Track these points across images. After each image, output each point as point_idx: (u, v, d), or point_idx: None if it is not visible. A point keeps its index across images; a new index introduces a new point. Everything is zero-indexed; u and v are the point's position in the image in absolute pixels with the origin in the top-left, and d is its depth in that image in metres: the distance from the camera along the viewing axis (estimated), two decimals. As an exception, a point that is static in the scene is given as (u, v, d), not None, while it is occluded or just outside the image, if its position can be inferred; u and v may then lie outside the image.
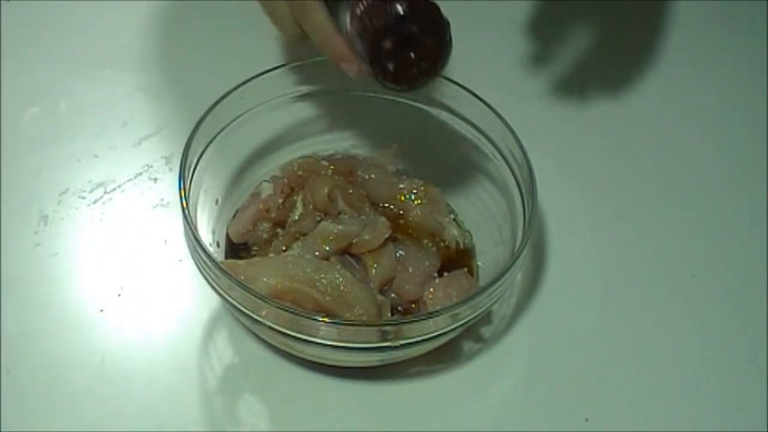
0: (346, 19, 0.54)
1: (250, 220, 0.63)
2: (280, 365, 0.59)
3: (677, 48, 0.81)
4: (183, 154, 0.58)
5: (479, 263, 0.64)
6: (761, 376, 0.61)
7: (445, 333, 0.54)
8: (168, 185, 0.68)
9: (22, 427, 0.56)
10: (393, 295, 0.60)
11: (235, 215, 0.64)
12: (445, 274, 0.60)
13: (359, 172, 0.65)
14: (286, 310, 0.52)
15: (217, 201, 0.63)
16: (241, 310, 0.54)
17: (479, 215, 0.65)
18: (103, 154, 0.70)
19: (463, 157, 0.65)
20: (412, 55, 0.53)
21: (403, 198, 0.64)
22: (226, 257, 0.62)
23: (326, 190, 0.62)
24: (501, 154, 0.62)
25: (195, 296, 0.61)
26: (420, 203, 0.64)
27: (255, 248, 0.62)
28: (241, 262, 0.59)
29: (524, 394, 0.60)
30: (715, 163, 0.74)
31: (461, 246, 0.63)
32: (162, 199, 0.67)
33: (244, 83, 0.62)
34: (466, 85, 0.63)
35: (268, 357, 0.59)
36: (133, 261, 0.64)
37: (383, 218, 0.61)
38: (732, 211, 0.71)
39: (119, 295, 0.62)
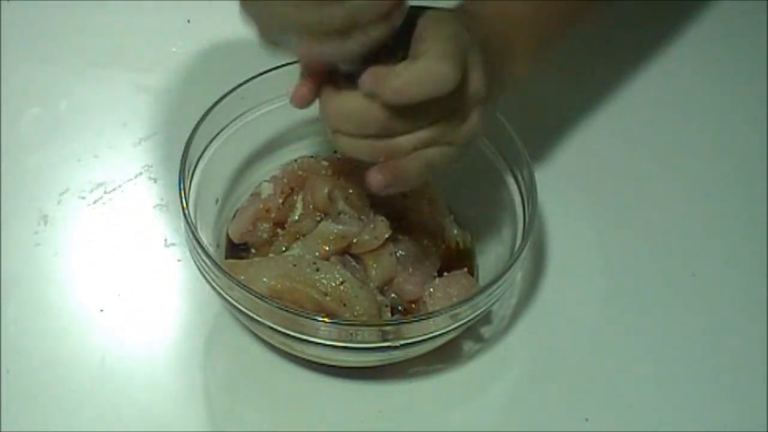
0: None
1: (250, 220, 0.62)
2: (280, 365, 0.59)
3: (677, 48, 0.81)
4: (183, 154, 0.58)
5: (479, 263, 0.64)
6: (761, 376, 0.61)
7: (445, 333, 0.54)
8: (168, 185, 0.68)
9: (22, 427, 0.56)
10: (393, 295, 0.60)
11: (235, 215, 0.64)
12: (445, 274, 0.60)
13: (359, 172, 0.65)
14: (286, 310, 0.52)
15: (217, 201, 0.63)
16: (241, 310, 0.54)
17: (479, 215, 0.65)
18: (103, 154, 0.70)
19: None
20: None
21: (403, 198, 0.64)
22: (226, 257, 0.62)
23: (326, 190, 0.62)
24: (501, 154, 0.62)
25: (195, 296, 0.61)
26: (420, 203, 0.64)
27: (255, 248, 0.62)
28: (241, 262, 0.59)
29: (524, 394, 0.60)
30: (715, 163, 0.74)
31: (461, 246, 0.63)
32: (162, 199, 0.67)
33: (244, 83, 0.62)
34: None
35: (268, 357, 0.59)
36: (133, 261, 0.64)
37: (383, 218, 0.61)
38: (732, 211, 0.71)
39: (119, 295, 0.62)
